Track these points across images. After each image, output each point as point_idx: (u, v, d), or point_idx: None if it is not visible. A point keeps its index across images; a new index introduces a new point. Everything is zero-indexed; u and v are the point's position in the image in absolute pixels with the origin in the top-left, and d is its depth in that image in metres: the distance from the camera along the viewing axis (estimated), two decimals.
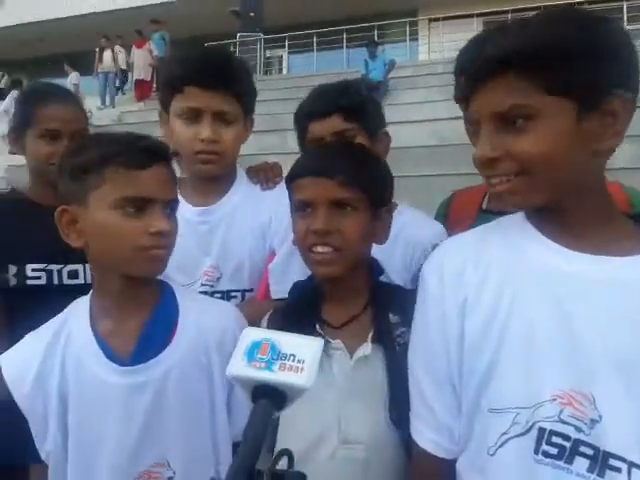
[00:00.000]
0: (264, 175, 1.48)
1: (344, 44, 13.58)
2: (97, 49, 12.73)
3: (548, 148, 0.77)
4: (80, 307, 1.10)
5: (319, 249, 1.07)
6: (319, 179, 1.07)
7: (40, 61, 15.75)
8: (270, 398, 0.66)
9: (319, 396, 1.04)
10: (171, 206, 1.05)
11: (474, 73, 0.80)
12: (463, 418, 0.87)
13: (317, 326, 1.09)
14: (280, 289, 1.35)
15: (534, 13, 0.81)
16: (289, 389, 0.66)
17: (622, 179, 1.29)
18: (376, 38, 11.77)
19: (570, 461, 0.76)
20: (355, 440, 1.02)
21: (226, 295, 1.39)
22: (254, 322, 1.19)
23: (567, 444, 0.76)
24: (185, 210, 1.12)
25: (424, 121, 6.45)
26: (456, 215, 1.40)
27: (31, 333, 1.09)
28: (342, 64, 13.12)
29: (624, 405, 0.75)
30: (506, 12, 10.57)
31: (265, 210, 1.41)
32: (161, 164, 1.03)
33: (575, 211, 0.83)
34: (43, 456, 1.05)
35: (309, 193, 1.08)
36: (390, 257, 1.17)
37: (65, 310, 1.11)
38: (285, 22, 14.13)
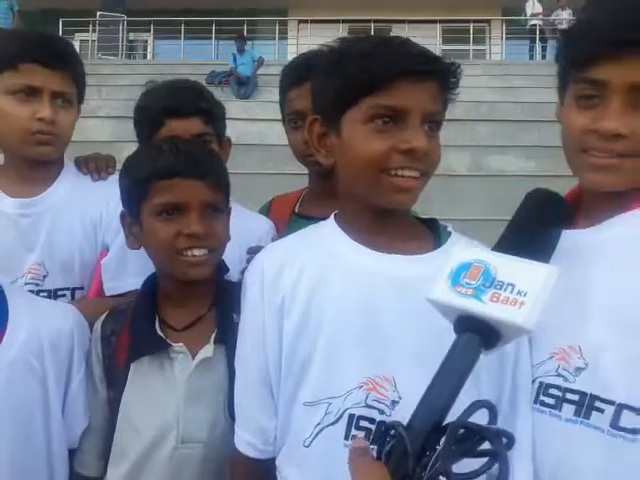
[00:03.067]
0: (95, 165, 1.41)
1: (213, 35, 13.30)
2: None
3: None
4: None
5: (195, 252, 1.05)
6: (190, 181, 1.05)
7: None
8: (478, 333, 0.53)
9: (159, 399, 1.05)
10: None
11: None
12: (280, 416, 0.91)
13: (158, 329, 1.07)
14: (114, 285, 1.31)
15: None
16: (503, 327, 0.52)
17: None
18: (245, 33, 11.69)
19: (375, 443, 0.82)
20: (194, 439, 1.04)
21: (53, 294, 1.30)
22: (90, 323, 1.14)
23: (372, 427, 0.84)
24: (1, 202, 1.02)
25: None
26: (273, 219, 1.46)
27: None
28: (210, 55, 12.84)
29: (422, 386, 0.82)
30: (369, 21, 11.10)
31: (95, 203, 1.34)
32: None
33: (394, 216, 0.90)
34: None
35: (180, 195, 1.04)
36: (229, 251, 1.18)
37: None
38: (151, 5, 13.46)
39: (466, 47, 12.38)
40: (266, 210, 1.53)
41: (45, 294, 1.28)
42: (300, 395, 0.87)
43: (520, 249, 0.56)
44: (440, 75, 0.86)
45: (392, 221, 0.91)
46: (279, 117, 1.47)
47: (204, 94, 1.42)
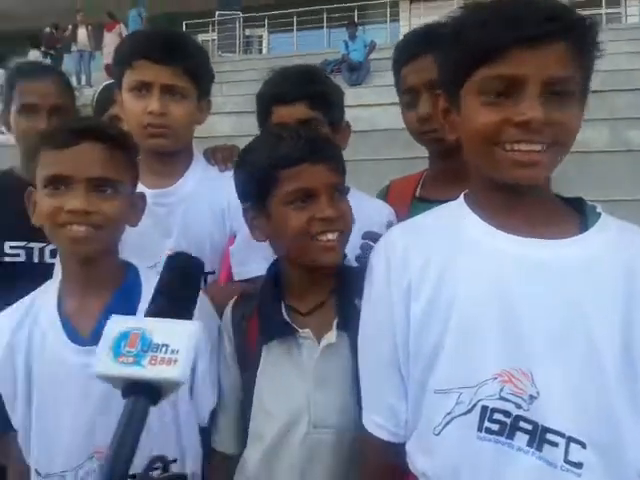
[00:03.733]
0: (221, 156, 1.46)
1: (324, 24, 13.42)
2: (70, 26, 12.33)
3: None
4: (51, 285, 1.12)
5: (329, 236, 1.05)
6: (316, 166, 1.05)
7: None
8: (143, 394, 0.59)
9: (290, 383, 1.08)
10: (101, 184, 1.04)
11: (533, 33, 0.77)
12: (411, 401, 0.89)
13: (285, 314, 1.09)
14: (242, 271, 1.34)
15: None
16: (163, 384, 0.60)
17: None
18: (356, 19, 11.65)
19: (511, 436, 0.78)
20: (325, 424, 1.05)
21: None
22: (219, 306, 1.19)
23: (508, 420, 0.79)
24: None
25: None
26: (392, 204, 1.41)
27: (7, 308, 1.12)
28: (323, 44, 12.98)
29: (561, 382, 0.77)
30: None
31: (222, 191, 1.37)
32: (90, 142, 1.03)
33: (528, 195, 0.84)
34: (15, 424, 1.08)
35: (309, 181, 1.04)
36: None
37: (39, 288, 1.13)
38: (265, 0, 13.88)
39: (598, 11, 11.31)
40: (383, 195, 1.50)
41: None
42: (430, 382, 0.85)
43: (172, 311, 0.65)
44: (569, 34, 0.77)
45: (526, 201, 0.84)
46: (391, 101, 1.43)
47: (313, 78, 1.39)
